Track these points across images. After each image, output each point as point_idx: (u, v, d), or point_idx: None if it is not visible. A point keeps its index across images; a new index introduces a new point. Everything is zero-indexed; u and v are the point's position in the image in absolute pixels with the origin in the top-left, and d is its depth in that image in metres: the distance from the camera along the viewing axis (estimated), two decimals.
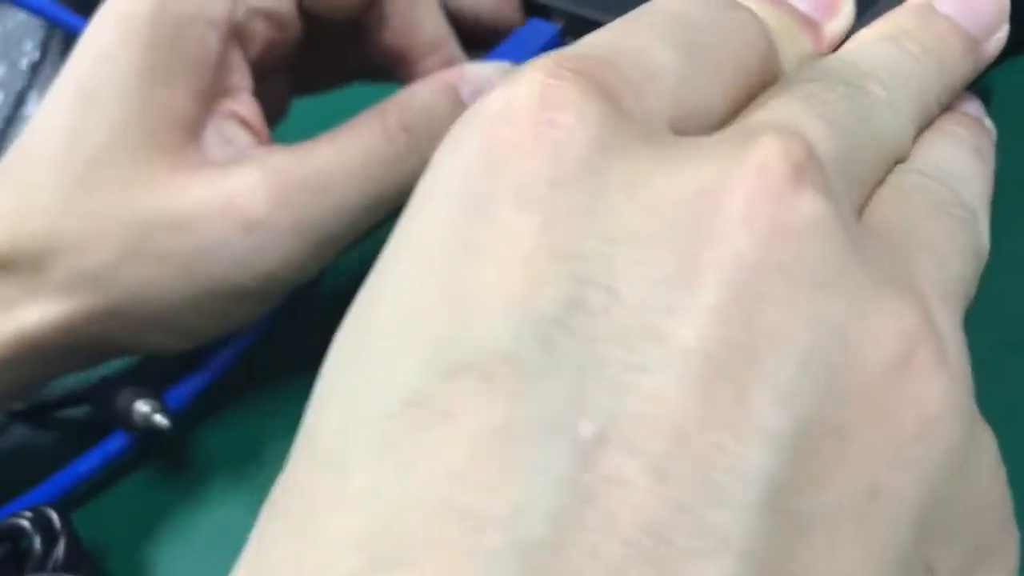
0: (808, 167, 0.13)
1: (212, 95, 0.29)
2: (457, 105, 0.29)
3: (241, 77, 0.30)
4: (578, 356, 0.12)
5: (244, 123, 0.29)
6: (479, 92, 0.29)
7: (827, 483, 0.12)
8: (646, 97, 0.15)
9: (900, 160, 0.18)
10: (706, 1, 0.17)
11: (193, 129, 0.28)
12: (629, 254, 0.13)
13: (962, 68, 0.20)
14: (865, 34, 0.19)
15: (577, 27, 0.31)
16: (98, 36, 0.29)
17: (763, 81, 0.17)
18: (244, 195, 0.27)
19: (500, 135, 0.14)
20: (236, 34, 0.30)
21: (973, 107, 0.20)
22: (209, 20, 0.29)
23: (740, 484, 0.12)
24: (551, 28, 0.31)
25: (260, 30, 0.30)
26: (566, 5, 0.31)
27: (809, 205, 0.13)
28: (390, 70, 0.32)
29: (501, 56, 0.31)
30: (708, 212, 0.13)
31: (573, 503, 0.11)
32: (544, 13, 0.32)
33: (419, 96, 0.29)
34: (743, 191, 0.13)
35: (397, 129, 0.28)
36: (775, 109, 0.16)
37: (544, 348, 0.12)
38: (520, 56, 0.31)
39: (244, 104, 0.30)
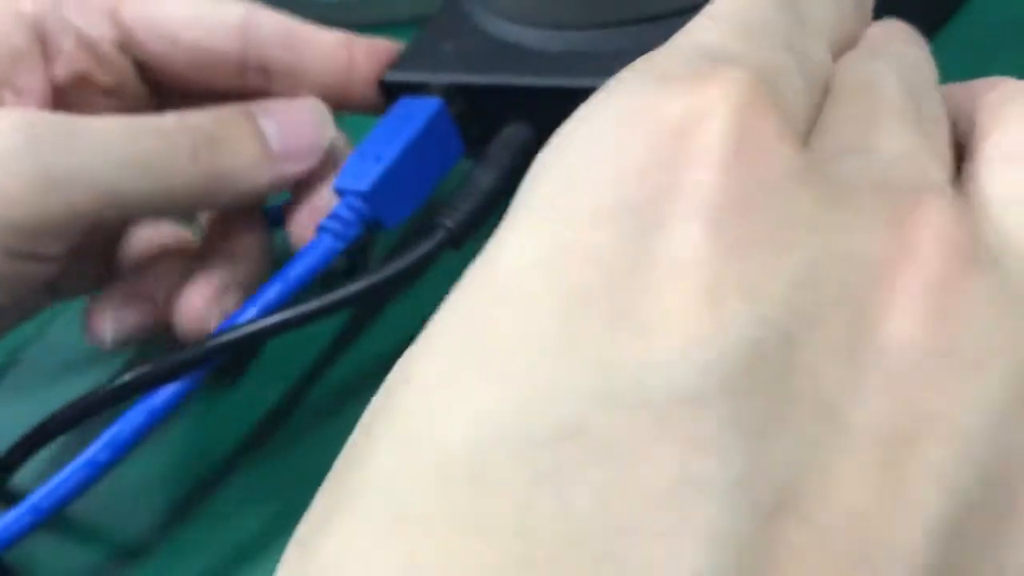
0: (963, 244, 0.13)
1: None
2: (253, 135, 0.29)
3: (33, 83, 0.29)
4: (757, 412, 0.12)
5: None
6: (287, 132, 0.29)
7: (983, 571, 0.12)
8: (798, 116, 0.15)
9: None
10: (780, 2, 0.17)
11: None
12: (807, 307, 0.12)
13: None
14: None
15: (461, 98, 0.29)
16: None
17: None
18: None
19: (692, 142, 0.13)
20: (41, 38, 0.30)
21: None
22: (16, 10, 0.29)
23: (902, 569, 0.11)
24: (433, 102, 0.28)
25: (68, 49, 0.30)
26: (441, 77, 0.29)
27: (966, 285, 0.13)
28: None
29: (380, 142, 0.28)
30: (873, 290, 0.13)
31: (749, 571, 0.11)
32: (409, 90, 0.29)
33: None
34: (904, 281, 0.13)
35: (176, 128, 0.28)
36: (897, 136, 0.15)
37: (726, 399, 0.11)
38: (406, 140, 0.28)
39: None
